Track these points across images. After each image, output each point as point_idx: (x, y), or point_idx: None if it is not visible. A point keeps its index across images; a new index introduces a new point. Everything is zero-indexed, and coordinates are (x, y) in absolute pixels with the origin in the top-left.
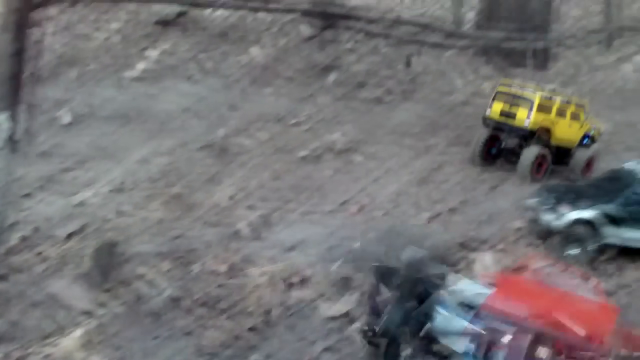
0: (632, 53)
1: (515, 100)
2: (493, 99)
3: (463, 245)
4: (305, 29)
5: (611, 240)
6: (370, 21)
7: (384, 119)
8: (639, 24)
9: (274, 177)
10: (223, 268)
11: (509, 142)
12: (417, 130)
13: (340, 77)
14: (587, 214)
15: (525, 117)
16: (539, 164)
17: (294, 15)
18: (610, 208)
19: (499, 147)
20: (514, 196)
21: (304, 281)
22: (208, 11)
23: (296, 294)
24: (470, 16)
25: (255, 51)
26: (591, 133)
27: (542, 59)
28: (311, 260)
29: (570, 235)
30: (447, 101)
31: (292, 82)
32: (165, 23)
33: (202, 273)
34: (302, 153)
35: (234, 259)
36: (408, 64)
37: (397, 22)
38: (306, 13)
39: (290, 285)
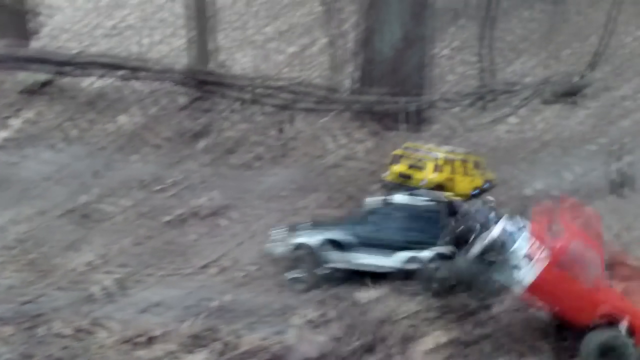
0: (506, 115)
1: (411, 161)
2: (391, 162)
3: None
4: (179, 97)
5: (339, 264)
6: (245, 88)
7: (253, 184)
8: (513, 87)
9: (135, 243)
10: (69, 331)
11: None
12: (286, 193)
13: (210, 143)
14: (308, 239)
15: (422, 177)
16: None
17: (167, 84)
18: (335, 234)
19: None
20: None
21: (151, 340)
22: (76, 80)
23: (142, 354)
24: (347, 82)
25: (123, 119)
26: (485, 186)
27: (416, 122)
28: (163, 320)
29: (293, 259)
30: (319, 164)
31: (160, 149)
32: (30, 92)
33: (47, 336)
34: (167, 218)
35: (82, 322)
36: (281, 129)
37: (273, 88)
38: (179, 81)
39: (136, 345)
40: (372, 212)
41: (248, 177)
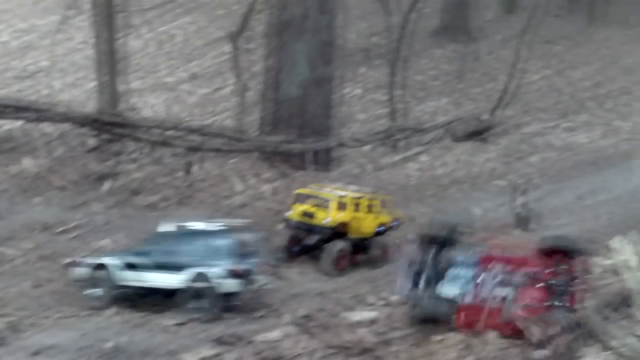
0: (417, 153)
1: (314, 201)
2: (294, 202)
3: None
4: (87, 140)
5: (131, 283)
6: (153, 131)
7: (158, 225)
8: (423, 126)
9: (35, 285)
10: None
11: (311, 239)
12: None
13: (116, 185)
14: (104, 260)
15: (325, 216)
16: (340, 257)
17: (75, 126)
18: (130, 256)
19: (302, 246)
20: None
21: None
22: None
23: None
24: (255, 123)
25: (28, 162)
26: (393, 224)
27: (325, 162)
28: None
29: (90, 278)
30: (225, 205)
31: (64, 191)
32: None
33: None
34: (68, 260)
35: None
36: (188, 171)
37: (182, 130)
38: (87, 124)
39: None
40: (167, 235)
41: (153, 218)
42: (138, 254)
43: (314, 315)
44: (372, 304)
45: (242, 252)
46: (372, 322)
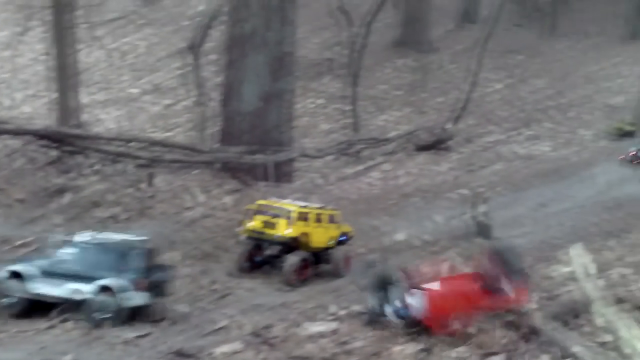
0: (379, 163)
1: (274, 213)
2: (254, 214)
3: None
4: (40, 156)
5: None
6: (108, 146)
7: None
8: (380, 139)
9: None
10: None
11: (271, 251)
12: (152, 245)
13: (76, 197)
14: (16, 267)
15: (285, 228)
16: (302, 267)
17: (34, 138)
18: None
19: (263, 257)
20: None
21: None
22: None
23: None
24: (210, 138)
25: None
26: (342, 238)
27: (286, 172)
28: None
29: (4, 287)
30: (187, 216)
31: (24, 203)
32: None
33: None
34: None
35: None
36: (149, 182)
37: (137, 145)
38: (46, 136)
39: None
40: (81, 245)
41: (113, 230)
42: (52, 262)
43: (275, 326)
44: (333, 314)
45: (150, 265)
46: (333, 332)
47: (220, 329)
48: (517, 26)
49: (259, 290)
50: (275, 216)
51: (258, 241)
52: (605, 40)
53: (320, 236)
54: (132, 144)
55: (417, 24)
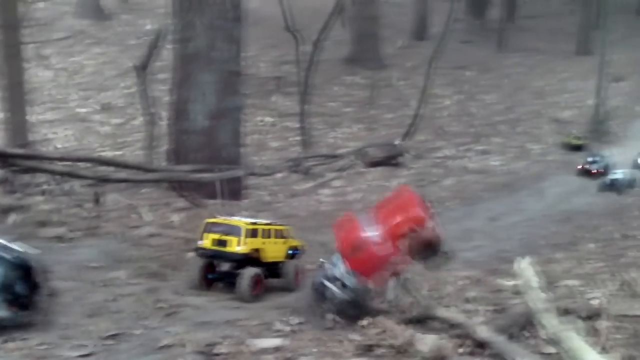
0: (330, 179)
1: (225, 229)
2: (204, 231)
3: None
4: None
5: None
6: (60, 163)
7: (65, 256)
8: (335, 153)
9: None
10: None
11: (224, 267)
12: (98, 265)
13: (22, 218)
14: None
15: (237, 244)
16: (255, 282)
17: None
18: None
19: (216, 273)
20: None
21: None
22: None
23: None
24: (163, 154)
25: None
26: (293, 253)
27: (236, 190)
28: None
29: None
30: (135, 235)
31: None
32: None
33: None
34: None
35: None
36: (97, 201)
37: (89, 161)
38: None
39: None
40: None
41: (60, 250)
42: None
43: (219, 344)
44: (279, 330)
45: (23, 280)
46: (277, 348)
47: (163, 347)
48: (465, 43)
49: (205, 308)
50: (226, 233)
51: (211, 258)
52: (553, 56)
53: (270, 251)
54: (80, 163)
55: (367, 42)
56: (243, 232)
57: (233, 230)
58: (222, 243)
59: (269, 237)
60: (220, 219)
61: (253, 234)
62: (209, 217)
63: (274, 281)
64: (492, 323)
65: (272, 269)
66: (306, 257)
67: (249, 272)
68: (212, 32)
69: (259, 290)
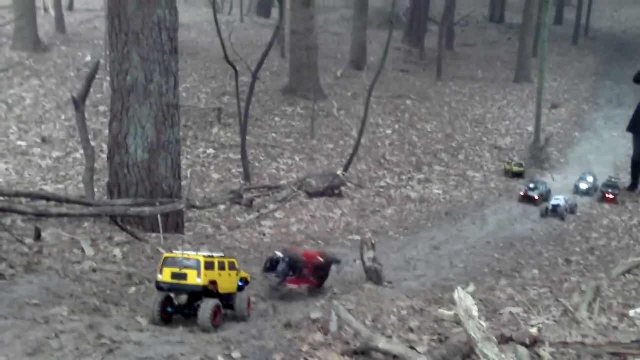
0: (272, 211)
1: (182, 263)
2: (163, 265)
3: None
4: None
5: None
6: (1, 197)
7: (4, 293)
8: (276, 184)
9: None
10: None
11: (181, 301)
12: (39, 301)
13: None
14: None
15: (196, 277)
16: (216, 313)
17: None
18: None
19: (174, 307)
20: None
21: None
22: None
23: None
24: (103, 188)
25: None
26: (241, 284)
27: (177, 223)
28: None
29: None
30: (76, 270)
31: None
32: None
33: None
34: None
35: None
36: (38, 237)
37: (27, 196)
38: None
39: None
40: None
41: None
42: None
43: None
44: None
45: None
46: None
47: None
48: (405, 72)
49: (148, 344)
50: (185, 267)
51: (178, 288)
52: (492, 84)
53: (225, 283)
54: (20, 197)
55: (307, 72)
56: (202, 265)
57: (191, 264)
58: (181, 277)
59: (223, 269)
60: (177, 254)
61: (210, 266)
62: (152, 252)
63: (228, 312)
64: (433, 353)
65: (226, 300)
66: (249, 290)
67: (210, 304)
68: (147, 65)
69: (218, 321)
